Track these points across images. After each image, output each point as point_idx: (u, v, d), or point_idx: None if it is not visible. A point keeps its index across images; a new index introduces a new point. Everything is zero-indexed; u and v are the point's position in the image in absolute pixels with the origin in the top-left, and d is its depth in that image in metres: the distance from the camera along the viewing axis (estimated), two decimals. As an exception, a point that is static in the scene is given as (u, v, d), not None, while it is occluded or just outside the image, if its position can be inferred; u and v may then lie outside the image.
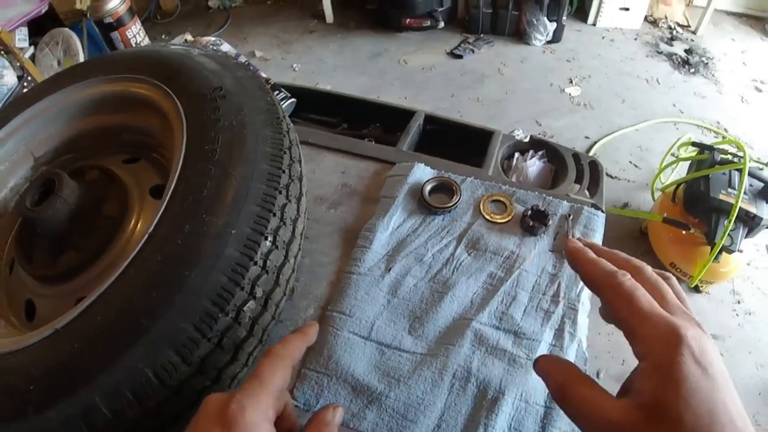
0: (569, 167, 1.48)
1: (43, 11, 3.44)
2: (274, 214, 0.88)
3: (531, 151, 1.57)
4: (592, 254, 0.61)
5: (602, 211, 1.29)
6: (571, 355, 1.06)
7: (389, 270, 1.15)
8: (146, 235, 0.83)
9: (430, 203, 1.24)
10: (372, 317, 1.08)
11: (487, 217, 1.25)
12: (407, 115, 1.62)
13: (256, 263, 0.83)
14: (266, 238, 0.86)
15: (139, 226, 1.04)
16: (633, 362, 0.51)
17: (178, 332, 0.76)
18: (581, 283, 1.15)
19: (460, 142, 1.62)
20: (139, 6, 4.34)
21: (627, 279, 0.54)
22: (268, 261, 0.86)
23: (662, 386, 0.46)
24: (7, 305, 1.07)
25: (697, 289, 2.56)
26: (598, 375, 2.15)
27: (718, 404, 0.46)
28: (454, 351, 1.02)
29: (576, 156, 1.51)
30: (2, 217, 1.13)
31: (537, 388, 1.00)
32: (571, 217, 1.26)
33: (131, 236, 1.03)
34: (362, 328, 1.06)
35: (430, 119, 1.63)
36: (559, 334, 1.08)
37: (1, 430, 0.73)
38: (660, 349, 0.48)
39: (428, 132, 1.65)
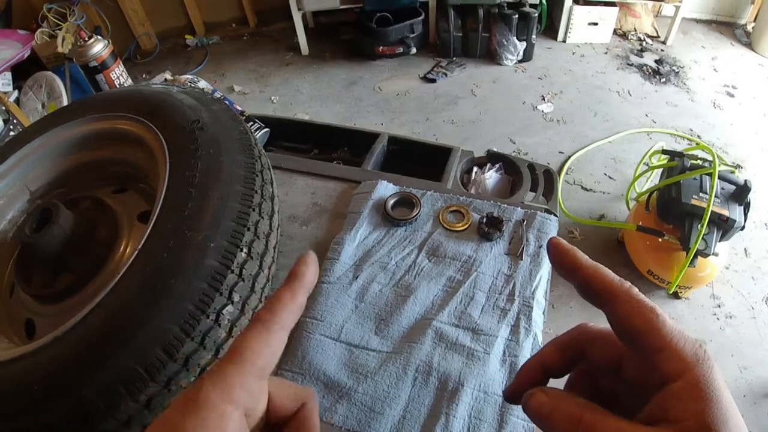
0: (525, 177, 1.59)
1: (26, 56, 3.53)
2: (249, 229, 0.99)
3: (488, 165, 1.68)
4: (587, 258, 0.48)
5: (555, 215, 1.40)
6: (527, 349, 1.15)
7: (356, 278, 1.26)
8: (137, 251, 0.94)
9: (392, 216, 1.36)
10: (341, 321, 1.18)
11: (446, 226, 1.36)
12: (372, 137, 1.73)
13: (233, 272, 0.94)
14: (241, 250, 0.97)
15: (129, 248, 1.15)
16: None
17: (165, 333, 0.87)
18: (535, 282, 1.25)
19: (422, 160, 1.73)
20: (119, 47, 4.41)
21: (636, 289, 0.45)
22: (243, 270, 0.97)
23: (708, 407, 0.40)
24: (8, 325, 1.16)
25: (676, 296, 2.60)
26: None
27: (738, 417, 0.41)
28: (417, 348, 1.12)
29: (531, 166, 1.62)
30: (2, 246, 1.23)
31: (495, 379, 1.10)
32: (525, 222, 1.37)
33: (122, 257, 1.14)
34: (332, 331, 1.16)
35: (393, 140, 1.75)
36: (514, 329, 1.18)
37: (8, 424, 0.83)
38: (697, 368, 0.41)
39: (392, 152, 1.76)
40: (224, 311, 0.93)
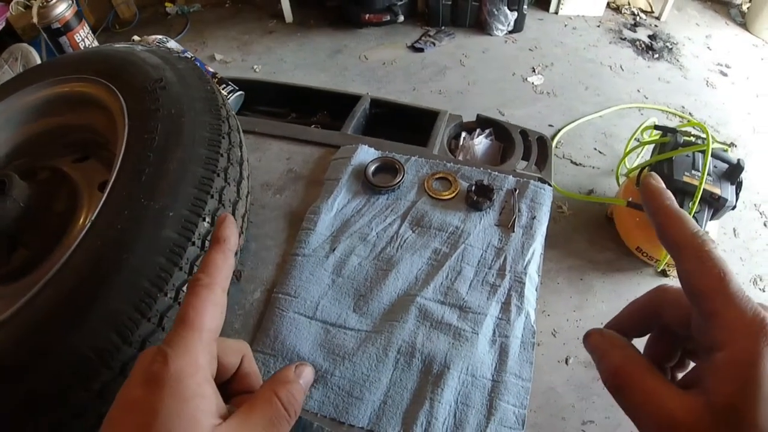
0: (517, 144, 1.50)
1: (0, 28, 3.41)
2: (212, 196, 0.90)
3: (478, 130, 1.59)
4: (675, 203, 0.48)
5: (549, 185, 1.31)
6: (518, 328, 1.07)
7: (333, 250, 1.17)
8: (88, 224, 0.85)
9: (374, 183, 1.27)
10: (317, 297, 1.09)
11: (432, 194, 1.27)
12: (353, 100, 1.64)
13: (193, 243, 0.85)
14: (204, 219, 0.87)
15: (87, 220, 1.05)
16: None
17: (118, 313, 0.78)
18: (528, 256, 1.17)
19: (406, 124, 1.65)
20: (97, 16, 4.30)
21: (715, 247, 0.43)
22: (206, 242, 0.87)
23: (741, 387, 0.38)
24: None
25: (664, 273, 2.56)
26: (567, 362, 2.17)
27: None
28: (399, 327, 1.04)
29: (524, 133, 1.53)
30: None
31: (484, 361, 1.02)
32: (517, 192, 1.28)
33: (81, 231, 1.04)
34: (307, 308, 1.07)
35: (375, 103, 1.66)
36: (505, 307, 1.10)
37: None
38: (743, 341, 0.39)
39: (375, 115, 1.67)
40: (184, 288, 0.83)
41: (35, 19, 3.19)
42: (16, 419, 0.74)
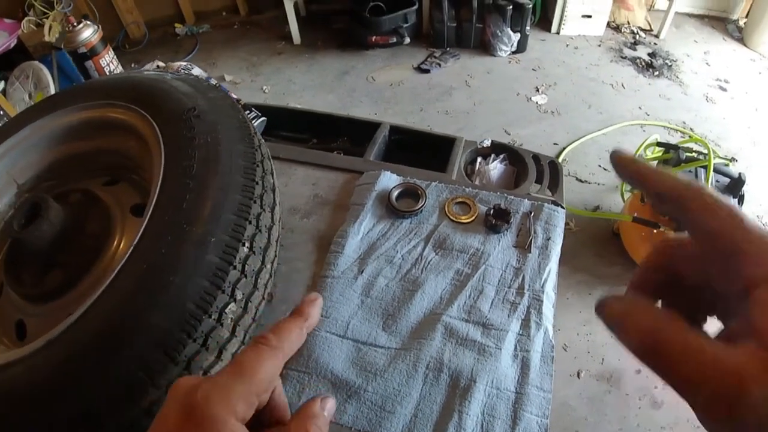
0: (530, 168, 1.55)
1: (12, 45, 3.46)
2: (250, 222, 0.94)
3: (493, 155, 1.64)
4: (649, 166, 0.43)
5: (562, 207, 1.36)
6: (538, 342, 1.12)
7: (362, 272, 1.21)
8: (132, 246, 0.89)
9: (397, 208, 1.31)
10: (347, 317, 1.14)
11: (452, 218, 1.32)
12: (373, 127, 1.68)
13: (235, 268, 0.89)
14: (243, 245, 0.92)
15: (122, 243, 1.09)
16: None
17: (166, 334, 0.82)
18: (544, 275, 1.22)
19: (424, 150, 1.69)
20: (107, 35, 4.33)
21: (714, 190, 0.40)
22: (246, 266, 0.92)
23: None
24: (-2, 326, 1.10)
25: None
26: (579, 375, 2.19)
27: None
28: (427, 344, 1.08)
29: (536, 157, 1.58)
30: (-10, 242, 1.17)
31: (507, 374, 1.06)
32: (532, 214, 1.33)
33: (115, 253, 1.08)
34: (339, 328, 1.12)
35: (395, 130, 1.70)
36: (525, 323, 1.14)
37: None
38: None
39: (394, 142, 1.71)
40: (227, 310, 0.88)
41: (48, 38, 3.25)
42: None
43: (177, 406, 0.42)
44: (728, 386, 0.32)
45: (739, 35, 4.53)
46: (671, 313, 0.38)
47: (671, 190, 0.41)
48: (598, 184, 3.16)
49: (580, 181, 3.18)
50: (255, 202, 0.97)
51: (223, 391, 0.43)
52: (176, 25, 4.64)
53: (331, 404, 0.50)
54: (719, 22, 4.73)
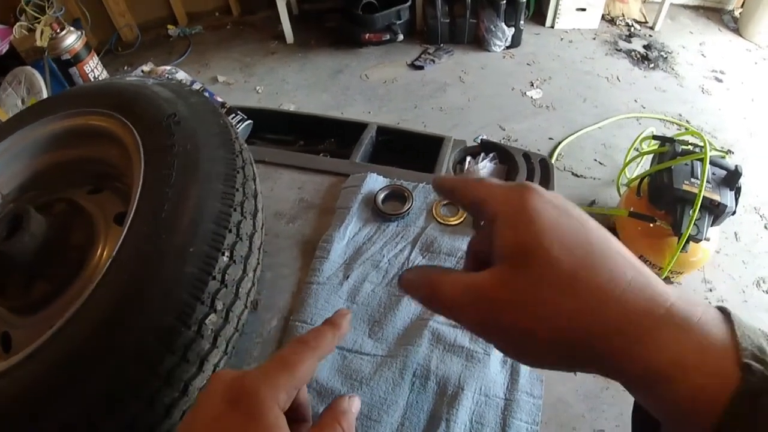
0: (520, 166, 1.54)
1: (4, 50, 3.46)
2: (230, 231, 0.93)
3: (482, 154, 1.62)
4: (450, 178, 0.57)
5: (553, 206, 1.34)
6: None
7: (347, 278, 1.20)
8: (110, 259, 0.88)
9: (383, 211, 1.30)
10: (333, 324, 1.11)
11: (440, 220, 1.30)
12: (360, 127, 1.67)
13: (214, 278, 0.88)
14: (223, 254, 0.90)
15: (105, 252, 1.08)
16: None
17: (145, 347, 0.80)
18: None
19: (412, 151, 1.67)
20: (100, 39, 4.34)
21: (478, 179, 0.50)
22: (226, 275, 0.90)
23: (520, 230, 0.42)
24: (-16, 339, 1.09)
25: (668, 281, 2.55)
26: (575, 372, 2.17)
27: (593, 237, 0.42)
28: (413, 351, 1.06)
29: (526, 155, 1.57)
30: (-28, 255, 1.16)
31: (496, 381, 1.05)
32: (521, 214, 1.31)
33: (99, 263, 1.07)
34: (324, 335, 1.10)
35: (382, 130, 1.69)
36: (515, 326, 1.12)
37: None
38: (509, 200, 0.45)
39: (381, 143, 1.70)
40: (207, 321, 0.86)
41: (39, 43, 3.23)
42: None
43: (224, 389, 0.46)
44: (479, 300, 0.43)
45: (735, 26, 4.53)
46: (443, 267, 0.50)
47: (449, 188, 0.53)
48: (594, 178, 3.15)
49: (576, 175, 3.17)
50: (235, 210, 0.96)
51: (270, 380, 0.46)
52: (169, 26, 4.64)
53: (357, 403, 0.56)
54: (714, 12, 4.72)
